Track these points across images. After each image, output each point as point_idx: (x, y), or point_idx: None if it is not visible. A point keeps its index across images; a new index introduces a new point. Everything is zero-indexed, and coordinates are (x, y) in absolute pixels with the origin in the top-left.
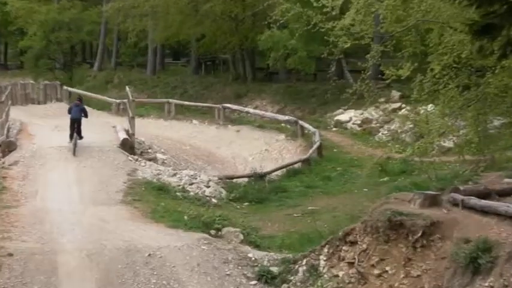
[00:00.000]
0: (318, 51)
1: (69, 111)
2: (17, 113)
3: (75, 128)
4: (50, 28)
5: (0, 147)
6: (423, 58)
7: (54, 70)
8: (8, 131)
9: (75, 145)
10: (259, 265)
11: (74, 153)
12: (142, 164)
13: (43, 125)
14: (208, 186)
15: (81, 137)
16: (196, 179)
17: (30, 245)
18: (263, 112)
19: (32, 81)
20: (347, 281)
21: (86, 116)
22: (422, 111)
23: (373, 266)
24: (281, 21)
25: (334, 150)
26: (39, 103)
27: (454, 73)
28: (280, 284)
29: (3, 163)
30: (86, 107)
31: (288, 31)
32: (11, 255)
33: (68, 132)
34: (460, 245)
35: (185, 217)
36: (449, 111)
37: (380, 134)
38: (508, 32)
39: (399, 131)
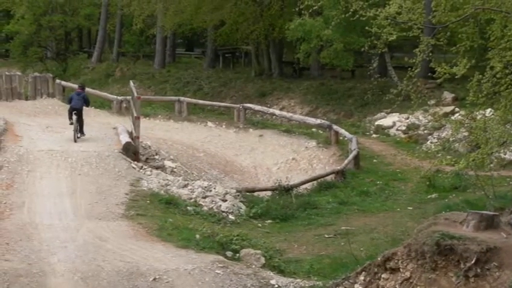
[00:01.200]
0: (358, 43)
1: (70, 101)
2: (1, 110)
3: (76, 119)
4: (41, 10)
5: None
6: (482, 54)
7: (46, 60)
8: None
9: (76, 131)
10: None
11: (75, 140)
12: (148, 172)
13: (32, 124)
14: (225, 200)
15: (82, 133)
16: (210, 191)
17: (15, 265)
18: (291, 114)
19: (19, 73)
20: None
21: (87, 105)
22: (479, 117)
23: None
24: (314, 7)
25: (374, 160)
26: (27, 99)
27: None
28: None
29: None
30: None
31: (323, 19)
32: None
33: (60, 134)
34: None
35: (197, 236)
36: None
37: (428, 142)
38: None
39: (451, 139)
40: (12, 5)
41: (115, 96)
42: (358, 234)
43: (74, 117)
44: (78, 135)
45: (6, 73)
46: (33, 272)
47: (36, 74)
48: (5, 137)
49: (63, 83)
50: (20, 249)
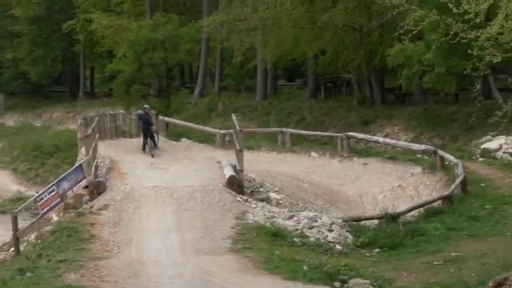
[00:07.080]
0: (460, 66)
1: (139, 118)
2: (106, 149)
3: (149, 137)
4: (142, 48)
5: (88, 188)
6: None
7: (148, 97)
8: (97, 169)
9: (151, 148)
10: None
11: (153, 156)
12: (253, 205)
13: (137, 161)
14: (331, 230)
15: (156, 146)
16: (316, 221)
17: None
18: (395, 141)
19: (122, 111)
20: None
21: (152, 123)
22: None
23: None
24: (414, 32)
25: (482, 184)
26: (131, 136)
27: None
28: None
29: (91, 207)
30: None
31: (423, 43)
32: None
33: (164, 170)
34: None
35: (304, 267)
36: None
37: None
38: None
39: None
40: (114, 44)
41: (218, 130)
42: (468, 260)
43: (148, 138)
44: (154, 150)
45: (110, 112)
46: None
47: (140, 111)
48: (111, 175)
49: (166, 119)
50: (129, 286)
